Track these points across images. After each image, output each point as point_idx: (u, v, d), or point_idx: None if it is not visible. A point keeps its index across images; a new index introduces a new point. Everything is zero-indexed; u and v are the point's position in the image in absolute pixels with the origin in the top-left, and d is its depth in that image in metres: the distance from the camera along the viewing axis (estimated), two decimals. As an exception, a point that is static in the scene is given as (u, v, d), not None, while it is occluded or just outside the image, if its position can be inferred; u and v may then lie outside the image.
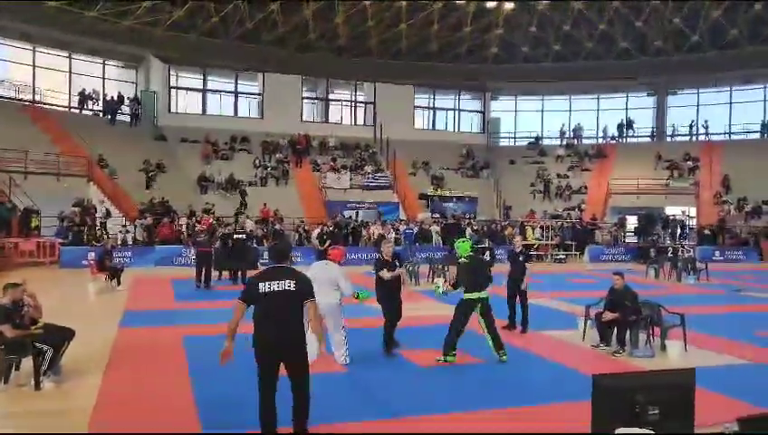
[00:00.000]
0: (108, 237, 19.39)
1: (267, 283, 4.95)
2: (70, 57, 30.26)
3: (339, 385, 6.79)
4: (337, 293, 7.48)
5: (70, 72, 30.35)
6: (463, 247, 8.42)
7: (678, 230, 28.06)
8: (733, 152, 32.16)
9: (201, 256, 15.61)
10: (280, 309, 4.92)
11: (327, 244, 18.88)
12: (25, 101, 28.17)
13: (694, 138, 35.46)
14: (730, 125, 35.39)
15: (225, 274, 16.71)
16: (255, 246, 20.06)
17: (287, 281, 4.95)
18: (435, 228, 25.53)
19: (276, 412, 4.96)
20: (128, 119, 30.67)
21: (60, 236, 20.34)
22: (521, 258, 10.33)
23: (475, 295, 7.97)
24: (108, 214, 22.65)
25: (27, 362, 6.62)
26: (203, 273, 15.33)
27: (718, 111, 35.64)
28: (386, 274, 8.30)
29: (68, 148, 25.06)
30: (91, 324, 9.35)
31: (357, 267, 17.40)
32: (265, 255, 20.50)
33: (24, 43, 28.66)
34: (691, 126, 35.70)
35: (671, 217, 29.19)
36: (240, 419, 5.63)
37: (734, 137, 35.12)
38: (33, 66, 29.06)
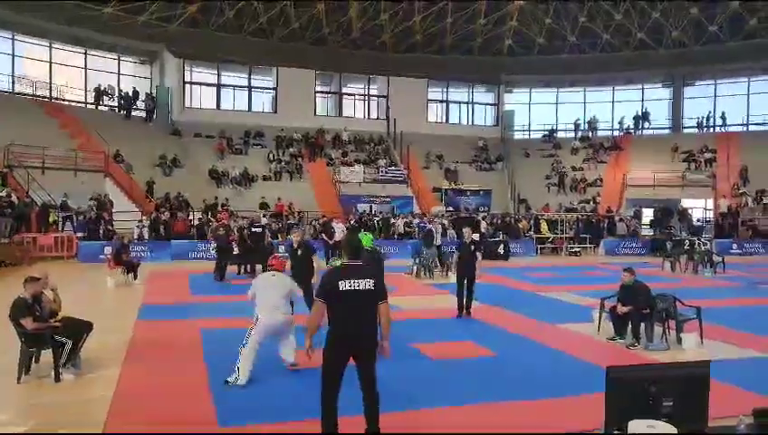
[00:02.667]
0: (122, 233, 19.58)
1: (348, 281, 4.81)
2: (86, 53, 30.56)
3: (350, 378, 6.84)
4: (288, 306, 7.18)
5: (86, 68, 30.65)
6: (366, 239, 8.62)
7: (695, 223, 27.76)
8: (751, 143, 31.76)
9: (221, 251, 15.85)
10: (360, 308, 4.82)
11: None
12: (42, 97, 28.49)
13: (711, 129, 35.03)
14: (748, 116, 34.95)
15: (244, 268, 16.82)
16: (270, 239, 20.13)
17: (368, 281, 4.85)
18: (442, 222, 25.31)
19: (337, 413, 4.85)
20: (143, 114, 30.92)
21: (79, 232, 20.58)
22: (472, 248, 10.72)
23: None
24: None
25: (47, 355, 6.73)
26: (221, 266, 15.54)
27: (736, 101, 35.18)
28: None
29: (84, 143, 25.34)
30: (108, 318, 9.48)
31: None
32: (281, 248, 20.71)
33: (41, 40, 28.97)
34: (708, 117, 35.26)
35: (688, 210, 28.95)
36: (255, 410, 5.69)
37: (751, 128, 34.65)
38: (50, 63, 29.37)
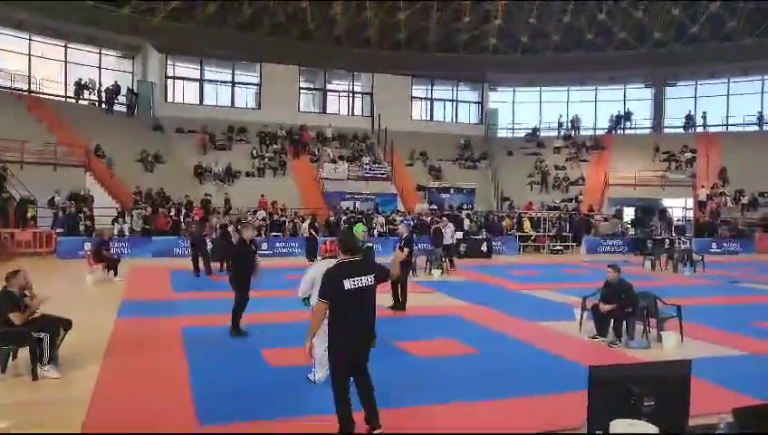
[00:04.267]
0: (103, 228, 19.36)
1: (352, 279, 4.75)
2: (66, 46, 30.10)
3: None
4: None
5: (66, 61, 30.20)
6: (357, 229, 8.87)
7: (674, 222, 28.10)
8: (730, 144, 32.19)
9: (194, 245, 16.07)
10: (365, 305, 4.85)
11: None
12: (21, 90, 28.03)
13: (691, 129, 35.47)
14: (728, 117, 35.40)
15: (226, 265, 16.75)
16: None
17: (369, 276, 4.84)
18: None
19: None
20: (125, 109, 30.56)
21: (59, 227, 20.30)
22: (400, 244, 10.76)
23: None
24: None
25: (24, 353, 6.62)
26: (199, 261, 15.55)
27: (716, 102, 35.64)
28: None
29: (64, 138, 24.96)
30: (88, 315, 9.34)
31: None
32: (263, 246, 20.58)
33: (20, 32, 28.48)
34: (687, 118, 35.69)
35: (668, 209, 29.33)
36: (236, 409, 5.65)
37: (731, 129, 35.13)
38: (29, 55, 28.90)
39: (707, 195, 29.36)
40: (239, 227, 11.24)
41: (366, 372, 4.95)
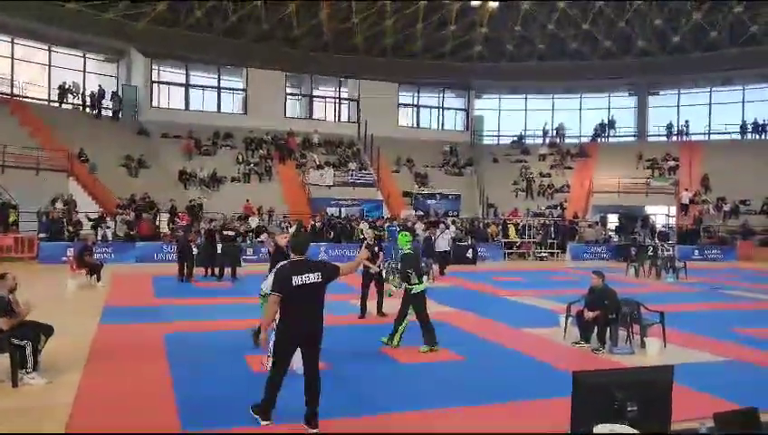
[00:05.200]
0: (87, 232, 19.18)
1: (299, 276, 5.23)
2: (49, 50, 29.81)
3: (330, 380, 6.79)
4: None
5: (49, 64, 29.92)
6: (403, 240, 8.78)
7: (658, 229, 28.37)
8: (712, 152, 32.61)
9: (180, 251, 15.90)
10: (310, 301, 5.27)
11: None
12: (3, 94, 27.72)
13: (674, 138, 35.88)
14: (710, 125, 35.87)
15: (211, 270, 16.63)
16: (240, 243, 19.95)
17: (314, 273, 5.28)
18: (420, 226, 25.48)
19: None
20: (109, 113, 30.32)
21: (43, 232, 20.06)
22: (376, 249, 11.08)
23: (424, 285, 8.43)
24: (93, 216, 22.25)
25: (4, 359, 6.52)
26: (185, 267, 15.42)
27: (699, 111, 36.11)
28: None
29: (47, 142, 24.71)
30: (70, 321, 9.24)
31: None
32: (248, 251, 20.47)
33: (2, 35, 28.18)
34: (669, 126, 36.12)
35: (651, 216, 29.61)
36: (220, 416, 5.60)
37: (713, 137, 35.59)
38: (12, 58, 28.60)
39: (690, 199, 29.73)
40: (271, 234, 10.99)
41: (316, 369, 5.29)
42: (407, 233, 9.35)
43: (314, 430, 5.18)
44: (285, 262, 5.74)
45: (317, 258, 7.73)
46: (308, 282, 5.22)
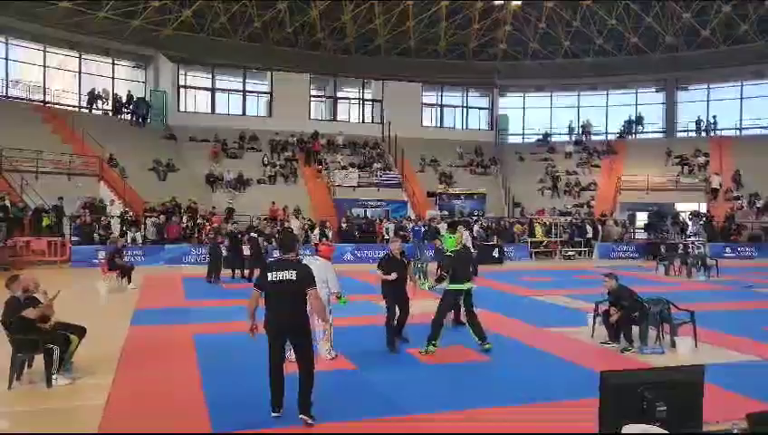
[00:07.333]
0: (117, 235, 19.53)
1: (274, 273, 5.61)
2: (80, 57, 30.45)
3: (345, 383, 6.81)
4: (325, 289, 7.40)
5: (80, 72, 30.55)
6: (450, 242, 8.79)
7: (689, 227, 27.85)
8: (743, 148, 31.93)
9: (212, 254, 16.23)
10: (284, 296, 5.55)
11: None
12: (36, 101, 28.39)
13: (704, 133, 35.20)
14: (741, 120, 35.11)
15: (239, 272, 16.79)
16: (266, 244, 20.11)
17: (289, 271, 5.58)
18: (443, 226, 25.44)
19: (284, 379, 5.58)
20: (138, 119, 30.85)
21: (75, 236, 20.51)
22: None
23: (462, 286, 8.31)
24: (124, 214, 22.64)
25: (39, 360, 6.69)
26: (214, 269, 15.69)
27: (729, 106, 35.38)
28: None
29: (78, 147, 25.25)
30: (102, 323, 9.43)
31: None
32: (275, 253, 20.62)
33: (36, 44, 28.88)
34: (698, 122, 35.44)
35: (681, 214, 29.07)
36: (250, 417, 5.66)
37: (744, 132, 34.83)
38: (45, 67, 29.27)
39: (720, 183, 29.21)
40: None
41: (305, 362, 5.54)
42: (452, 236, 9.20)
43: (308, 419, 5.39)
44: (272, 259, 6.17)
45: (316, 259, 7.80)
46: (283, 278, 5.53)
